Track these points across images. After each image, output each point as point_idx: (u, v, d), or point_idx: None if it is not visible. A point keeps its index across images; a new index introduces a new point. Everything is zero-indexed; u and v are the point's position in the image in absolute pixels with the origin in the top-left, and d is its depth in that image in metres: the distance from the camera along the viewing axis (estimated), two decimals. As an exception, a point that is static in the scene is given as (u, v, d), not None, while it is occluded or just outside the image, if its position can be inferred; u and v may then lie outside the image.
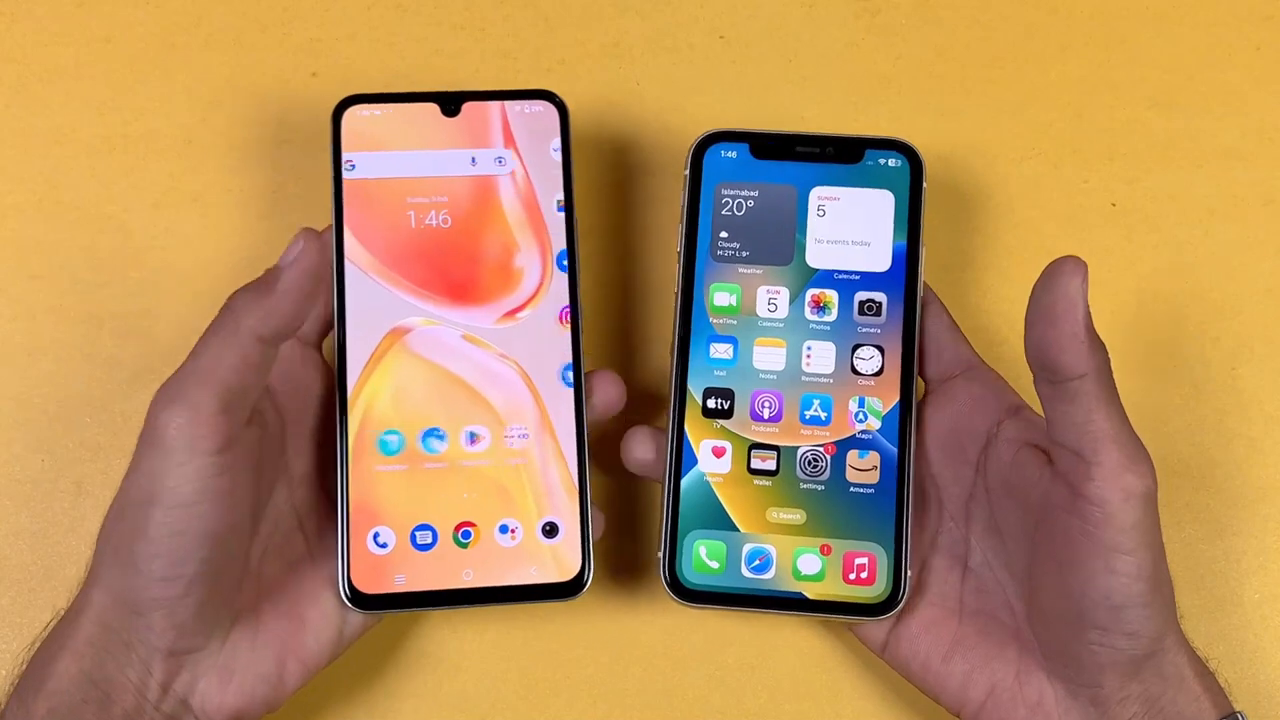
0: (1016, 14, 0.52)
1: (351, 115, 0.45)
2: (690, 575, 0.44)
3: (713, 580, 0.44)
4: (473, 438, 0.44)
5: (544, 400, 0.44)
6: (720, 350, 0.45)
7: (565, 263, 0.45)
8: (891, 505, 0.44)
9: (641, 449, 0.45)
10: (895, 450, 0.44)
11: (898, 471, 0.44)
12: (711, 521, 0.44)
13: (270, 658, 0.42)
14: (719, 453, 0.44)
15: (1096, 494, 0.38)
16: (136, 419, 0.49)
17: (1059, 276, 0.38)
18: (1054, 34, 0.52)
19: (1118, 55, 0.52)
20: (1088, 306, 0.38)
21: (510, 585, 0.43)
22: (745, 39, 0.52)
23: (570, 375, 0.44)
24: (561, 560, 0.44)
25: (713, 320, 0.45)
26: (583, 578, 0.44)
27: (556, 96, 0.46)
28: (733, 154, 0.45)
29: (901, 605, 0.43)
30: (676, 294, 0.45)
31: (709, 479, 0.44)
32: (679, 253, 0.45)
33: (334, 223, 0.44)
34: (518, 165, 0.45)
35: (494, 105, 0.45)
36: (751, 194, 0.45)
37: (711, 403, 0.44)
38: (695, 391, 0.45)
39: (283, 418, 0.43)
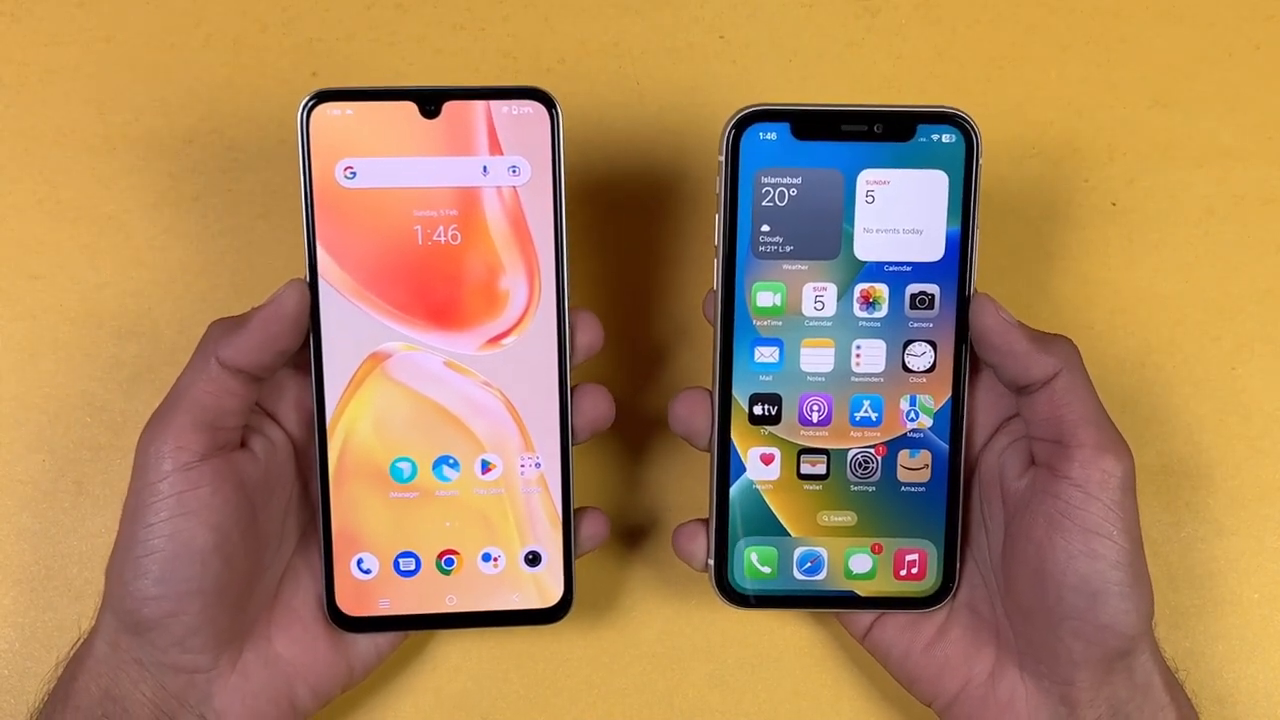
0: (1016, 14, 0.52)
1: (321, 115, 0.41)
2: (742, 581, 0.44)
3: (765, 585, 0.44)
4: (455, 467, 0.43)
5: (529, 429, 0.43)
6: (766, 354, 0.42)
7: (556, 284, 0.42)
8: (942, 501, 0.43)
9: (689, 412, 0.43)
10: (947, 447, 0.43)
11: (949, 468, 0.43)
12: (762, 528, 0.43)
13: (282, 683, 0.42)
14: (768, 460, 0.43)
15: (1077, 474, 0.40)
16: (136, 419, 0.49)
17: (978, 317, 0.41)
18: (1054, 34, 0.52)
19: (1118, 55, 0.52)
20: (1018, 321, 0.41)
21: (492, 611, 0.43)
22: (745, 39, 0.52)
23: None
24: (544, 588, 0.44)
25: (756, 322, 0.42)
26: (565, 604, 0.44)
27: (548, 95, 0.41)
28: (772, 135, 0.41)
29: (952, 596, 0.43)
30: (717, 295, 0.42)
31: (758, 487, 0.43)
32: (717, 248, 0.42)
33: (306, 232, 0.41)
34: (504, 176, 0.41)
35: (478, 105, 0.41)
36: (794, 181, 0.42)
37: (758, 409, 0.43)
38: (741, 398, 0.43)
39: (297, 451, 0.44)
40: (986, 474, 0.44)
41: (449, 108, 0.41)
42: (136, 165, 0.50)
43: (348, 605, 0.43)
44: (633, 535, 0.50)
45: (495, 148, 0.41)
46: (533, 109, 0.41)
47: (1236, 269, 0.51)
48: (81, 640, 0.42)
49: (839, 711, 0.49)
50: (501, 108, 0.41)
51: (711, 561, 0.43)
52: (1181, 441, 0.50)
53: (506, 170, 0.42)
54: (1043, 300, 0.50)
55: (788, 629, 0.49)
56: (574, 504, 0.44)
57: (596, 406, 0.43)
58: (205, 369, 0.40)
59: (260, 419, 0.43)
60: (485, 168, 0.42)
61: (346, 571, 0.43)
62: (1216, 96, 0.52)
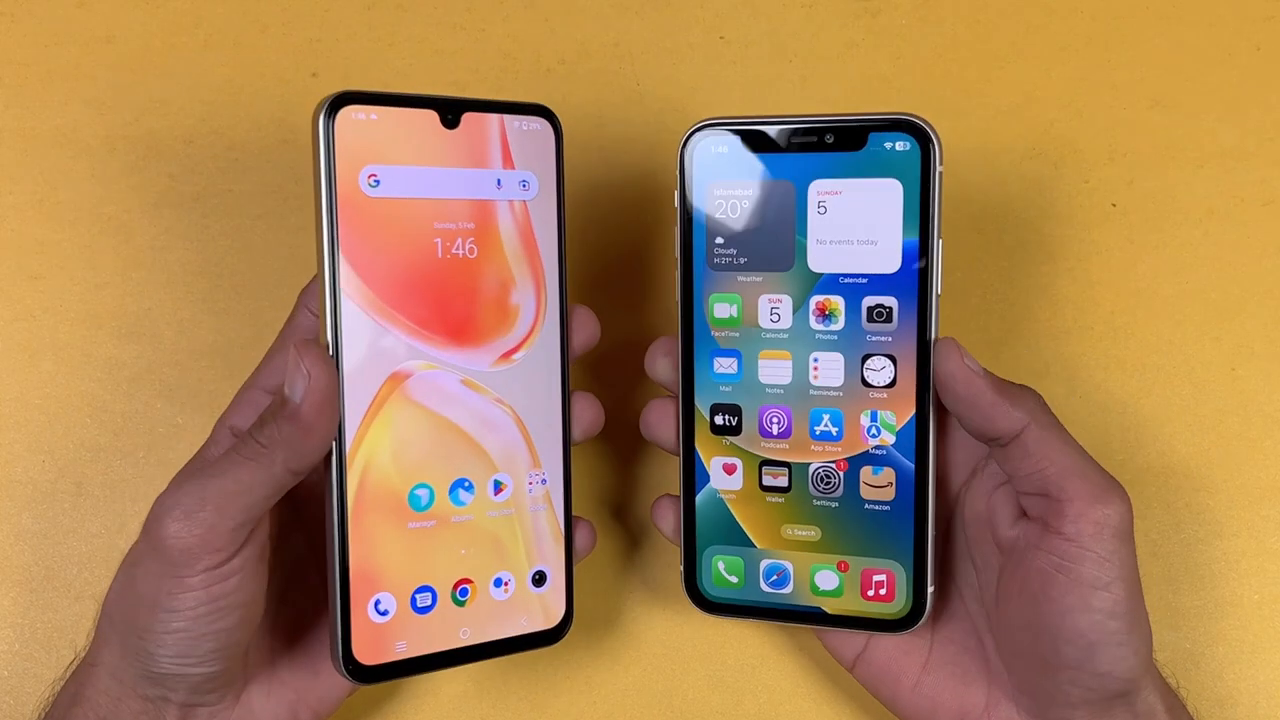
0: (1016, 14, 0.52)
1: (345, 118, 0.39)
2: (710, 589, 0.44)
3: (732, 594, 0.44)
4: (470, 490, 0.42)
5: (536, 445, 0.43)
6: (724, 365, 0.43)
7: (559, 298, 0.42)
8: (909, 522, 0.42)
9: (657, 420, 0.44)
10: (912, 466, 0.42)
11: (915, 488, 0.42)
12: (728, 538, 0.43)
13: (284, 709, 0.42)
14: (730, 470, 0.43)
15: (1070, 529, 0.39)
16: (136, 419, 0.49)
17: (942, 363, 0.40)
18: (1054, 34, 0.52)
19: (1118, 55, 0.52)
20: (983, 370, 0.40)
21: (502, 639, 0.42)
22: (745, 39, 0.52)
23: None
24: (548, 608, 0.43)
25: (715, 333, 0.43)
26: (566, 622, 0.43)
27: (552, 113, 0.42)
28: (724, 149, 0.42)
29: (924, 621, 0.42)
30: (678, 306, 0.43)
31: (722, 496, 0.43)
32: (677, 260, 0.43)
33: (326, 244, 0.39)
34: (516, 190, 0.41)
35: (494, 119, 0.41)
36: (746, 193, 0.42)
37: (719, 419, 0.43)
38: (703, 408, 0.43)
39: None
40: (973, 516, 0.43)
41: (467, 119, 0.41)
42: (136, 165, 0.50)
43: (365, 655, 0.40)
44: (631, 537, 0.50)
45: (508, 161, 0.41)
46: (540, 125, 0.42)
47: (1236, 269, 0.51)
48: (78, 662, 0.41)
49: (838, 713, 0.49)
50: (513, 122, 0.41)
51: (682, 567, 0.44)
52: (1181, 442, 0.50)
53: (518, 184, 0.42)
54: (1043, 301, 0.50)
55: (787, 630, 0.49)
56: (572, 517, 0.43)
57: (587, 413, 0.43)
58: (269, 475, 0.37)
59: None
60: (499, 181, 0.41)
61: (364, 616, 0.40)
62: (1216, 96, 0.52)
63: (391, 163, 0.39)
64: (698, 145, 0.42)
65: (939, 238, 0.41)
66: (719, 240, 0.42)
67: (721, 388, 0.43)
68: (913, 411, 0.42)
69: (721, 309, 0.43)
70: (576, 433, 0.43)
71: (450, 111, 0.40)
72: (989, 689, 0.42)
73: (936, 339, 0.41)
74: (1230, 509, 0.49)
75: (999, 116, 0.51)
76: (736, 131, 0.42)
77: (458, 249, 0.41)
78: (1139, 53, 0.52)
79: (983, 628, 0.43)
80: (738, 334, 0.43)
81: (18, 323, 0.49)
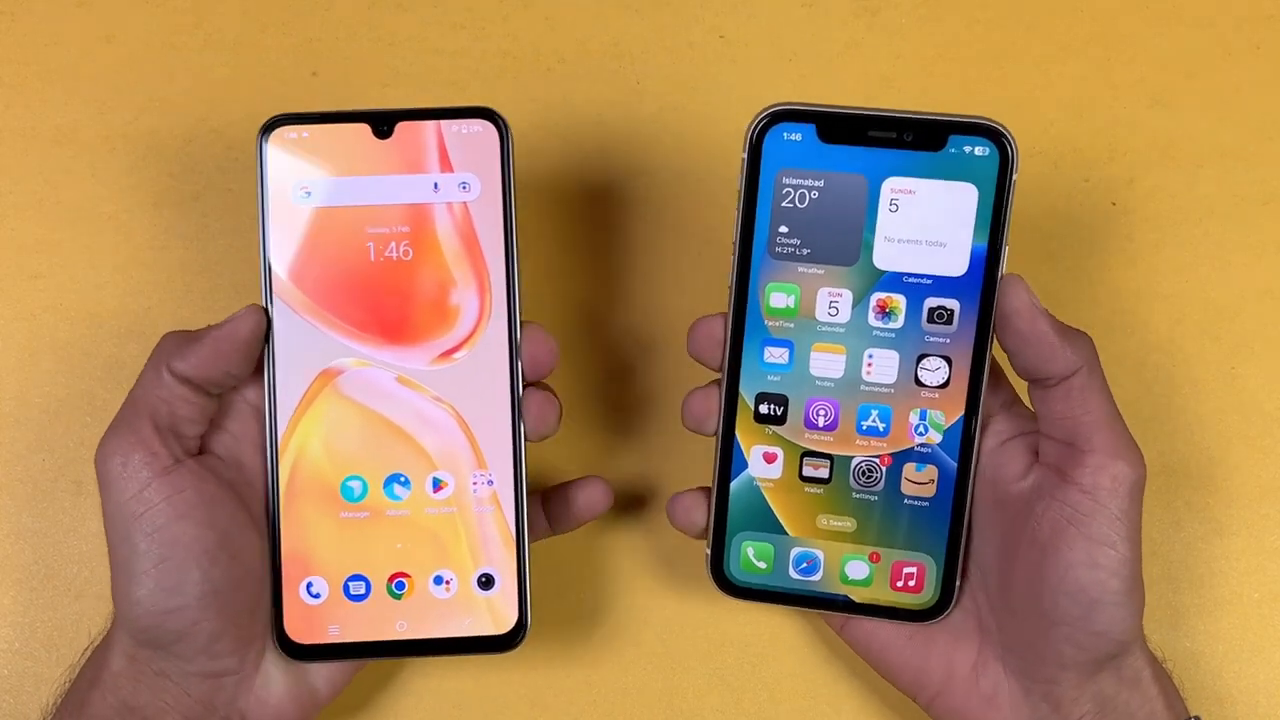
0: (1016, 14, 0.52)
1: (278, 138, 0.42)
2: (737, 574, 0.43)
3: (759, 580, 0.43)
4: (406, 485, 0.43)
5: (481, 446, 0.43)
6: (775, 355, 0.42)
7: (506, 298, 0.42)
8: (946, 518, 0.42)
9: (703, 410, 0.43)
10: (955, 465, 0.42)
11: (956, 486, 0.42)
12: (760, 525, 0.43)
13: (301, 675, 0.42)
14: (770, 459, 0.43)
15: (1087, 480, 0.39)
16: (137, 419, 0.49)
17: (1007, 297, 0.40)
18: (1054, 34, 0.52)
19: (1118, 55, 0.52)
20: (1046, 310, 0.40)
21: (443, 638, 0.43)
22: (745, 39, 0.52)
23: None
24: (497, 613, 0.43)
25: (768, 322, 0.42)
26: (519, 630, 0.43)
27: (497, 115, 0.42)
28: (797, 136, 0.41)
29: (949, 612, 0.43)
30: (730, 291, 0.42)
31: (759, 484, 0.43)
32: (734, 245, 0.42)
33: (261, 250, 0.42)
34: (454, 192, 0.42)
35: (429, 125, 0.42)
36: (816, 184, 0.41)
37: (764, 408, 0.42)
38: (747, 396, 0.42)
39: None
40: (978, 472, 0.43)
41: (401, 128, 0.42)
42: (136, 165, 0.50)
43: (297, 632, 0.42)
44: (631, 535, 0.50)
45: (446, 165, 0.42)
46: (482, 127, 0.42)
47: (1236, 269, 0.51)
48: (92, 648, 0.41)
49: (839, 711, 0.49)
50: (451, 126, 0.42)
51: (708, 551, 0.43)
52: (1181, 441, 0.50)
53: (457, 187, 0.42)
54: (1043, 300, 0.50)
55: (788, 628, 0.49)
56: (527, 525, 0.43)
57: (541, 410, 0.42)
58: (158, 379, 0.40)
59: (220, 417, 0.42)
60: (436, 185, 0.42)
61: (296, 596, 0.42)
62: (1216, 96, 0.52)
63: (324, 175, 0.42)
64: (769, 130, 0.41)
65: (1006, 245, 0.41)
66: (783, 229, 0.41)
67: (769, 377, 0.42)
68: (961, 412, 0.42)
69: (778, 298, 0.42)
70: (529, 431, 0.42)
71: (382, 123, 0.42)
72: (979, 648, 0.42)
73: (1003, 275, 0.41)
74: (1230, 508, 0.49)
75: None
76: (812, 119, 0.41)
77: (391, 252, 0.42)
78: (1139, 53, 0.52)
79: (977, 586, 0.43)
80: (792, 325, 0.42)
81: (18, 322, 0.50)
